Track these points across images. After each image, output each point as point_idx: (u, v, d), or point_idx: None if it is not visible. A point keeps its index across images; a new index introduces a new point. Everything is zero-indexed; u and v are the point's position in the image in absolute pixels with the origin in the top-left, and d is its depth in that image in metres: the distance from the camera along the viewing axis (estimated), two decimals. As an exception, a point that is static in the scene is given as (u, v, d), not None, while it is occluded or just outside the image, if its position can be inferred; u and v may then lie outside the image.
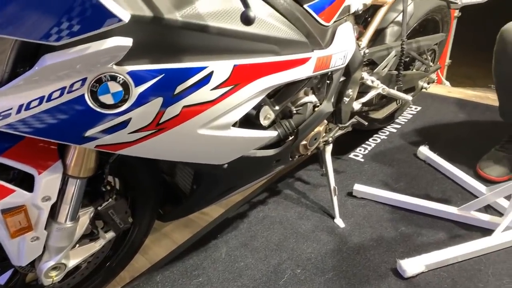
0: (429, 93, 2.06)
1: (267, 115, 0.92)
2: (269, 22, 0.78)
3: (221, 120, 0.79)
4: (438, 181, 1.49)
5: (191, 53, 0.69)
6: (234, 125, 0.85)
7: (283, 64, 0.83)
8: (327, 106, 1.07)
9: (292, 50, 0.84)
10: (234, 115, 0.81)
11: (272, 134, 0.95)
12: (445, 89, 2.20)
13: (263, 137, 0.93)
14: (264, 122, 0.92)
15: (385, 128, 1.86)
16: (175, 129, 0.73)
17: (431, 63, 1.67)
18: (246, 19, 0.56)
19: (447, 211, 1.30)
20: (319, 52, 0.91)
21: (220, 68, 0.72)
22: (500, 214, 1.29)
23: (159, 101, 0.68)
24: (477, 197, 1.35)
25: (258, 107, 0.89)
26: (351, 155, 1.68)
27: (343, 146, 1.69)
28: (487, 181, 1.46)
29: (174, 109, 0.71)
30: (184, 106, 0.72)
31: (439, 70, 2.26)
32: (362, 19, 1.31)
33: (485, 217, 1.27)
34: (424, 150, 1.60)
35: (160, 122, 0.71)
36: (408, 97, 1.40)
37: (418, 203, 1.35)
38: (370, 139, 1.78)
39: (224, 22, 0.69)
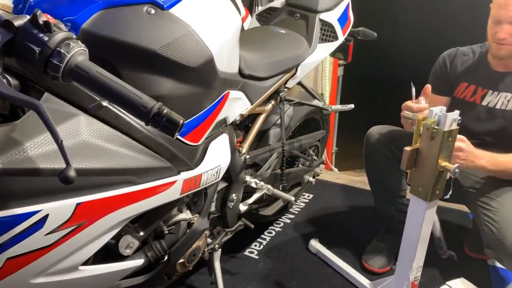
0: (320, 180, 2.18)
1: (130, 243, 0.83)
2: (123, 153, 0.74)
3: (64, 263, 0.69)
4: (329, 277, 1.51)
5: (17, 199, 0.60)
6: (87, 261, 0.76)
7: (142, 193, 0.77)
8: (202, 223, 1.03)
9: (153, 177, 0.80)
10: (82, 255, 0.72)
11: (136, 263, 0.87)
12: (334, 176, 2.36)
13: (126, 269, 0.84)
14: (126, 251, 0.83)
15: (280, 219, 1.88)
16: (-4, 286, 0.61)
17: (315, 157, 1.79)
18: (65, 179, 0.50)
19: (336, 312, 1.30)
20: (187, 174, 0.89)
21: (58, 210, 0.64)
22: (384, 311, 1.32)
23: (-30, 258, 0.57)
24: (364, 293, 1.38)
25: (117, 237, 0.81)
26: (247, 252, 1.64)
27: (239, 241, 1.64)
28: (371, 273, 1.52)
29: (-7, 265, 0.59)
30: (9, 258, 0.61)
31: (327, 158, 2.45)
32: (243, 125, 1.36)
33: (370, 316, 1.28)
34: (314, 244, 1.63)
35: (-26, 281, 0.58)
36: (291, 197, 1.44)
37: (309, 306, 1.32)
38: (266, 232, 1.77)
39: (60, 162, 0.63)
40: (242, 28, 2.04)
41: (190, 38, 0.82)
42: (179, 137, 0.87)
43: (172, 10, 0.81)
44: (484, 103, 1.38)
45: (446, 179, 1.07)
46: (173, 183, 0.84)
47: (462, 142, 1.14)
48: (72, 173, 0.51)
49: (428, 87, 1.15)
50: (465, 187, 1.41)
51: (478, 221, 1.38)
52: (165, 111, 0.57)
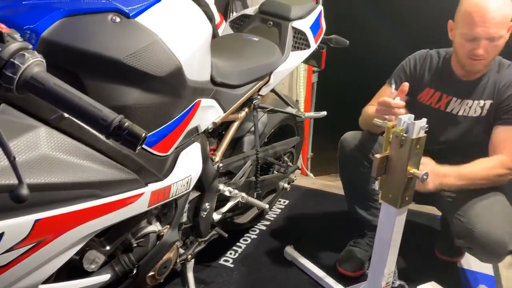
0: (296, 185, 2.19)
1: (95, 259, 0.81)
2: (86, 166, 0.71)
3: (22, 283, 0.66)
4: (304, 284, 1.51)
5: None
6: (48, 279, 0.72)
7: (107, 206, 0.75)
8: (172, 235, 1.00)
9: (118, 190, 0.77)
10: (43, 273, 0.69)
11: (103, 278, 0.84)
12: (309, 181, 2.38)
13: (91, 285, 0.81)
14: (91, 267, 0.80)
15: (255, 226, 1.87)
16: None
17: (290, 163, 1.79)
18: (17, 198, 0.48)
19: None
20: (155, 185, 0.87)
21: (14, 227, 0.61)
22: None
23: None
24: (338, 299, 1.38)
25: (82, 252, 0.78)
26: (221, 261, 1.62)
27: (214, 250, 1.62)
28: (346, 278, 1.53)
29: None
30: (-41, 282, 0.57)
31: (302, 163, 2.46)
32: (216, 133, 1.35)
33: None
34: (290, 251, 1.63)
35: None
36: (265, 205, 1.43)
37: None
38: (241, 240, 1.76)
39: (15, 177, 0.60)
40: (217, 34, 2.04)
41: (157, 47, 0.80)
42: (146, 147, 0.85)
43: (138, 19, 0.79)
44: (448, 109, 1.42)
45: (415, 186, 1.09)
46: (140, 195, 0.82)
47: (424, 165, 1.09)
48: (24, 191, 0.48)
49: (406, 85, 1.17)
50: None
51: (448, 216, 1.41)
52: (126, 124, 0.55)
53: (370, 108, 1.42)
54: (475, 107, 1.38)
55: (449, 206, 1.40)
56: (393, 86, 1.19)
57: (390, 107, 1.13)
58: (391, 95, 1.17)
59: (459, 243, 1.34)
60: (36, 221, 0.63)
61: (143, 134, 0.56)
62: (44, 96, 0.54)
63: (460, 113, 1.40)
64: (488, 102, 1.36)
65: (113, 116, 0.55)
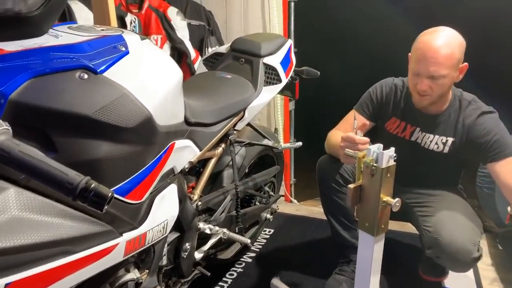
0: (281, 213, 2.19)
1: (70, 314, 0.80)
2: (57, 223, 0.71)
3: None
4: (291, 316, 1.50)
5: None
6: None
7: (81, 261, 0.75)
8: (151, 282, 1.00)
9: (92, 243, 0.77)
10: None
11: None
12: (294, 207, 2.39)
13: None
14: (67, 324, 0.79)
15: (241, 258, 1.86)
16: None
17: (272, 193, 1.81)
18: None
19: None
20: (130, 234, 0.87)
21: (-16, 294, 0.61)
22: None
23: None
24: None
25: (56, 309, 0.77)
26: (208, 299, 1.59)
27: (200, 286, 1.60)
28: (333, 308, 1.52)
29: None
30: None
31: (286, 190, 2.48)
32: (194, 170, 1.36)
33: None
34: (276, 283, 1.62)
35: None
36: (247, 240, 1.43)
37: None
38: (227, 274, 1.74)
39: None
40: (193, 69, 2.08)
41: (125, 99, 0.82)
42: (119, 197, 0.86)
43: (106, 74, 0.81)
44: (413, 139, 1.47)
45: (389, 213, 1.12)
46: (114, 246, 0.82)
47: None
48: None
49: (366, 123, 1.21)
50: (407, 202, 1.48)
51: (418, 229, 1.46)
52: (92, 185, 0.57)
53: (335, 135, 1.44)
54: (437, 141, 1.43)
55: (420, 219, 1.45)
56: (355, 121, 1.22)
57: (354, 143, 1.16)
58: (353, 130, 1.19)
59: (428, 253, 1.38)
60: (7, 285, 0.63)
61: (109, 194, 0.57)
62: (10, 164, 0.56)
63: (422, 144, 1.45)
64: (450, 140, 1.42)
65: (79, 178, 0.56)
